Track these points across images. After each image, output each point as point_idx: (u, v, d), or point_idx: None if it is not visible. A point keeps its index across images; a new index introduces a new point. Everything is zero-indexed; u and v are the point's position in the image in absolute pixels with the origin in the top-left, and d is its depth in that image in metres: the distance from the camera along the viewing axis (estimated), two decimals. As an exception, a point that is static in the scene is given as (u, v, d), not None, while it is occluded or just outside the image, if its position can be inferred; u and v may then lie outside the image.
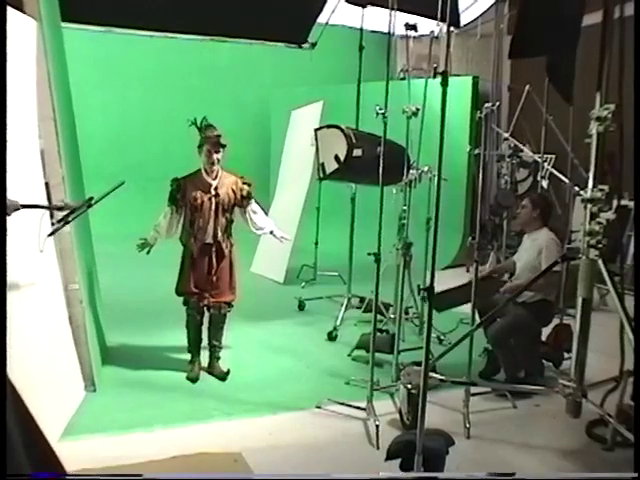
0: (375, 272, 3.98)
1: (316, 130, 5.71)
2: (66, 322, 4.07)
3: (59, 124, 4.04)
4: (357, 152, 5.29)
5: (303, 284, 7.41)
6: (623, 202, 3.81)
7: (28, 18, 3.75)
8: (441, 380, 3.95)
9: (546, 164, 6.12)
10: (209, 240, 4.51)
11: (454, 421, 3.89)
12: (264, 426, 3.89)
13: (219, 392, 4.38)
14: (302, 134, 7.75)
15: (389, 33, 4.29)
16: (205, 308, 4.63)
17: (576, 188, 3.69)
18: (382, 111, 4.10)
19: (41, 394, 3.38)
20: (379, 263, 3.95)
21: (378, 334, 4.52)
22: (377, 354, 4.19)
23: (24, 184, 3.55)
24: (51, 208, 3.49)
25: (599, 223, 3.36)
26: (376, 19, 6.28)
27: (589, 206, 3.39)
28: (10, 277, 3.25)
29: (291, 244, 7.00)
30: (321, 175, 5.57)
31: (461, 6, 8.86)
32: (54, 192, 3.99)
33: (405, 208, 5.24)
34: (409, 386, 3.78)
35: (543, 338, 4.84)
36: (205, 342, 4.73)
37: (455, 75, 8.91)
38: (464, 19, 9.73)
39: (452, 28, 3.16)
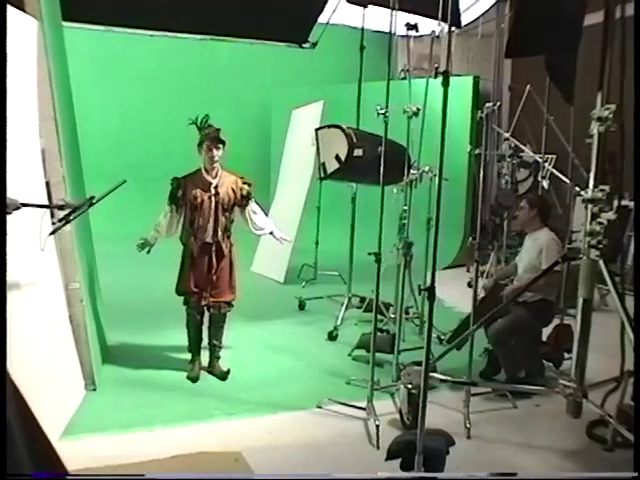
0: (375, 272, 3.98)
1: (317, 130, 5.71)
2: (66, 321, 4.07)
3: (60, 123, 4.04)
4: (358, 152, 5.29)
5: (303, 284, 7.41)
6: (624, 202, 3.80)
7: (29, 17, 3.75)
8: (441, 380, 3.96)
9: (547, 164, 6.12)
10: (209, 239, 4.51)
11: (454, 421, 3.89)
12: (264, 426, 3.89)
13: (219, 391, 4.38)
14: (303, 134, 7.75)
15: (390, 33, 4.29)
16: (205, 308, 4.63)
17: (577, 188, 3.69)
18: (383, 111, 4.10)
19: (41, 393, 3.38)
20: (380, 263, 3.95)
21: (378, 334, 4.52)
22: (377, 354, 4.19)
23: (25, 183, 3.55)
24: (52, 207, 3.49)
25: (600, 223, 3.35)
26: (377, 19, 6.28)
27: (590, 206, 3.39)
28: (11, 276, 3.25)
29: (292, 244, 7.00)
30: (322, 175, 5.57)
31: (462, 6, 8.87)
32: (55, 191, 3.99)
33: (406, 208, 5.23)
34: (409, 386, 3.78)
35: (543, 338, 4.84)
36: (205, 342, 4.74)
37: (456, 75, 8.91)
38: (465, 19, 9.73)
39: (453, 28, 3.16)
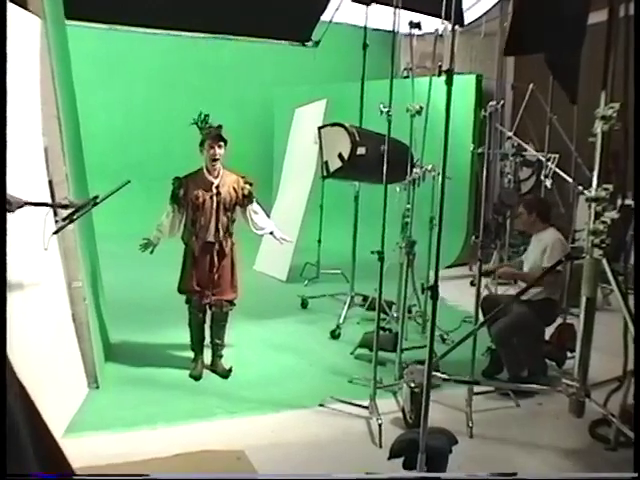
0: (378, 270, 3.98)
1: (320, 128, 5.70)
2: (69, 319, 4.08)
3: (63, 122, 4.04)
4: (361, 150, 5.29)
5: (306, 282, 7.41)
6: (627, 201, 3.79)
7: (32, 16, 3.75)
8: (444, 379, 3.95)
9: (550, 163, 6.11)
10: (210, 239, 4.52)
11: (457, 420, 3.89)
12: (267, 424, 3.89)
13: (222, 390, 4.38)
14: (305, 132, 7.75)
15: (393, 31, 4.29)
16: (207, 306, 4.63)
17: (580, 187, 3.68)
18: (386, 109, 4.09)
19: (44, 391, 3.38)
20: (383, 261, 3.95)
21: (381, 332, 4.52)
22: (380, 352, 4.18)
23: (28, 181, 3.55)
24: (56, 206, 3.49)
25: (603, 222, 3.34)
26: (380, 17, 6.27)
27: (593, 205, 3.38)
28: (14, 275, 3.25)
29: (294, 242, 7.00)
30: (325, 173, 5.57)
31: (465, 4, 8.84)
32: (58, 190, 4.00)
33: (408, 206, 5.23)
34: (412, 385, 3.78)
35: (546, 337, 4.83)
36: (208, 340, 4.74)
37: (459, 73, 8.89)
38: (468, 17, 9.70)
39: (456, 26, 3.16)
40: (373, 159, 4.67)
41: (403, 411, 3.91)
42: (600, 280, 3.63)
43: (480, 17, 10.34)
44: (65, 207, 3.40)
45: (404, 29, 5.30)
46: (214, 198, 4.49)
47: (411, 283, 5.48)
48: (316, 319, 6.13)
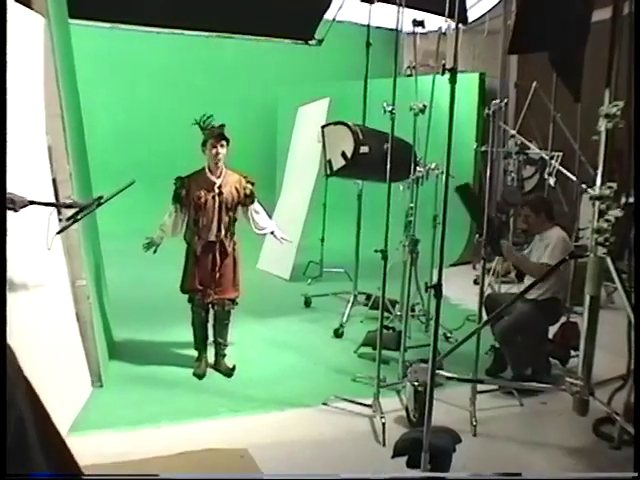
0: (381, 269, 3.98)
1: (323, 127, 5.70)
2: (73, 318, 4.08)
3: (66, 121, 4.05)
4: (364, 149, 5.28)
5: (309, 281, 7.41)
6: (631, 199, 3.78)
7: (36, 15, 3.76)
8: (448, 377, 3.95)
9: (553, 161, 6.09)
10: (212, 238, 4.53)
11: (461, 419, 3.89)
12: (270, 422, 3.89)
13: (225, 388, 4.38)
14: (308, 131, 7.75)
15: (397, 30, 4.28)
16: (210, 305, 4.64)
17: (584, 185, 3.67)
18: (389, 108, 4.09)
19: (48, 390, 3.38)
20: (386, 260, 3.94)
21: (385, 331, 4.52)
22: (383, 351, 4.18)
23: (32, 180, 3.55)
24: (60, 206, 3.49)
25: (607, 221, 3.34)
26: (383, 15, 6.27)
27: (597, 203, 3.37)
28: (18, 274, 3.26)
29: (297, 241, 7.00)
30: (328, 172, 5.57)
31: (468, 2, 8.84)
32: (61, 189, 4.01)
33: (412, 205, 5.22)
34: (416, 383, 3.78)
35: (550, 336, 4.83)
36: (211, 339, 4.75)
37: (462, 72, 8.88)
38: (471, 15, 9.70)
39: (460, 25, 3.15)
40: (376, 158, 4.67)
41: (407, 410, 3.91)
42: (604, 278, 3.63)
43: (483, 15, 10.34)
44: (69, 207, 3.40)
45: (407, 27, 5.29)
46: (216, 198, 4.50)
47: (414, 282, 5.48)
48: (319, 318, 6.13)
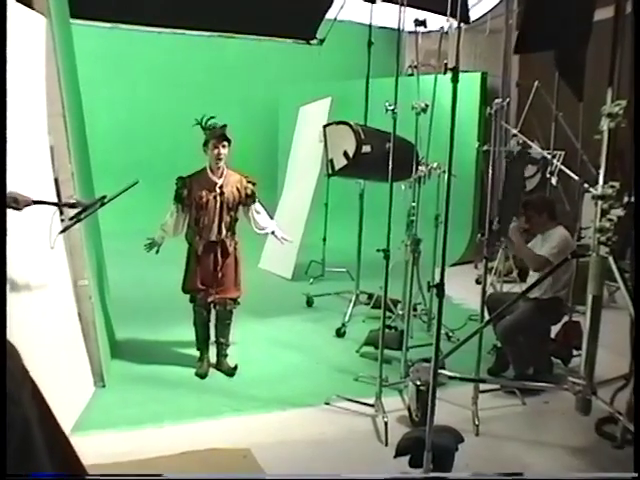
0: (383, 268, 3.98)
1: (325, 126, 5.69)
2: (75, 318, 4.09)
3: (68, 120, 4.05)
4: (366, 148, 5.28)
5: (311, 280, 7.41)
6: (634, 199, 3.78)
7: (37, 15, 3.76)
8: (450, 377, 3.95)
9: (555, 160, 6.09)
10: (214, 238, 4.53)
11: (463, 418, 3.88)
12: (273, 422, 3.89)
13: (228, 388, 4.39)
14: (310, 130, 7.75)
15: (399, 29, 4.28)
16: (211, 305, 4.64)
17: (586, 185, 3.67)
18: (391, 107, 4.09)
19: (51, 389, 3.38)
20: (388, 259, 3.94)
21: (387, 330, 4.52)
22: (386, 351, 4.18)
23: (34, 180, 3.56)
24: (64, 205, 3.49)
25: (610, 220, 3.33)
26: (385, 15, 6.26)
27: (600, 203, 3.37)
28: (20, 273, 3.26)
29: (299, 240, 7.00)
30: (330, 171, 5.56)
31: (470, 2, 8.83)
32: (63, 188, 4.01)
33: (414, 204, 5.22)
34: (418, 383, 3.78)
35: (552, 335, 4.82)
36: (213, 339, 4.75)
37: (463, 71, 8.86)
38: (473, 15, 9.69)
39: (462, 24, 3.15)
40: (378, 157, 4.67)
41: (409, 409, 3.91)
42: (606, 278, 3.63)
43: (485, 14, 10.32)
44: (73, 206, 3.40)
45: (409, 27, 5.28)
46: (218, 198, 4.50)
47: (416, 281, 5.48)
48: (321, 317, 6.13)
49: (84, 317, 4.15)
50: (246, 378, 4.55)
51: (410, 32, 7.36)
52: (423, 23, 5.13)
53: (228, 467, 3.31)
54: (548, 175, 6.22)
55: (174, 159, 9.00)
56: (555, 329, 4.84)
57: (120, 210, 6.26)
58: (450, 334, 5.44)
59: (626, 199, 3.67)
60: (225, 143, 4.47)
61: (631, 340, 3.56)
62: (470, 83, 8.40)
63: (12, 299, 3.10)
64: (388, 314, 4.92)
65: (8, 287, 3.06)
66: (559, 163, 5.60)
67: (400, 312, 5.50)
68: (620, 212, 3.33)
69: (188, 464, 3.31)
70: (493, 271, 6.72)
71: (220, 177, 4.53)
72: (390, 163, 3.88)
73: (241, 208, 4.66)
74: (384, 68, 6.50)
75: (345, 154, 5.35)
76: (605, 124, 3.32)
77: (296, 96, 9.49)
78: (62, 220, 3.70)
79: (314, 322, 6.00)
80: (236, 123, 4.93)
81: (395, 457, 3.21)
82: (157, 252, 4.61)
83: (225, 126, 4.49)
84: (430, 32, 7.56)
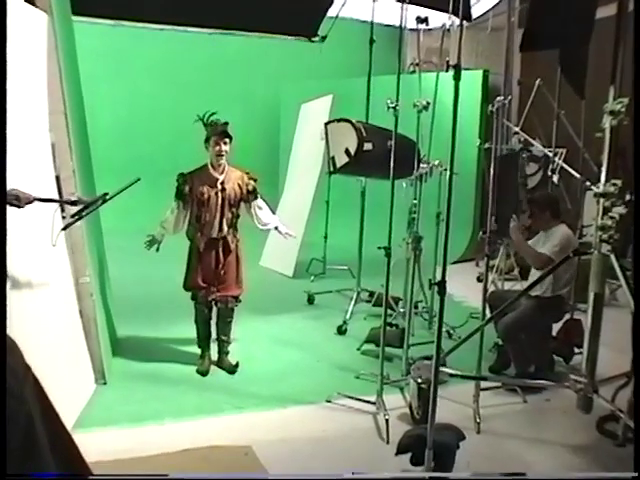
0: (385, 266, 3.97)
1: (326, 124, 5.69)
2: (77, 315, 4.09)
3: (70, 117, 4.05)
4: (367, 146, 5.27)
5: (312, 278, 7.41)
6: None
7: (39, 12, 3.76)
8: (451, 375, 3.95)
9: (557, 158, 6.08)
10: (215, 235, 4.52)
11: (464, 416, 3.89)
12: (274, 419, 3.90)
13: (229, 385, 4.39)
14: (311, 128, 7.74)
15: (401, 26, 4.27)
16: (213, 302, 4.64)
17: (588, 183, 3.66)
18: (393, 105, 4.08)
19: (52, 387, 3.38)
20: (389, 257, 3.94)
21: (388, 328, 4.52)
22: (387, 348, 4.18)
23: (36, 177, 3.56)
24: (65, 202, 3.49)
25: (611, 218, 3.33)
26: (386, 12, 6.26)
27: (601, 201, 3.36)
28: (21, 271, 3.26)
29: (300, 238, 7.00)
30: (331, 169, 5.56)
31: (472, -1, 8.82)
32: (65, 185, 4.01)
33: (415, 202, 5.22)
34: (419, 380, 3.78)
35: (553, 333, 4.82)
36: (214, 336, 4.75)
37: (465, 69, 8.85)
38: (475, 12, 9.67)
39: (464, 22, 3.15)
40: (380, 155, 4.66)
41: (410, 407, 3.91)
42: (608, 276, 3.62)
43: (487, 12, 10.31)
44: (74, 204, 3.40)
45: (411, 24, 5.28)
46: (219, 194, 4.49)
47: (418, 279, 5.48)
48: (322, 315, 6.13)
49: (85, 314, 4.15)
50: (247, 375, 4.56)
51: (412, 30, 7.37)
52: (425, 21, 5.13)
53: (229, 464, 3.31)
54: (550, 173, 6.23)
55: (175, 155, 9.00)
56: (556, 327, 4.84)
57: (121, 207, 6.28)
58: (451, 332, 5.44)
59: (628, 197, 3.65)
60: (226, 140, 4.46)
61: (633, 338, 3.56)
62: (472, 81, 8.38)
63: (13, 297, 3.11)
64: (389, 312, 4.92)
65: (10, 284, 3.07)
66: (561, 161, 5.59)
67: (401, 310, 5.51)
68: (622, 210, 3.33)
69: (189, 461, 3.32)
70: (494, 269, 6.71)
71: (221, 173, 4.52)
72: (392, 161, 3.88)
73: (243, 205, 4.65)
74: (386, 66, 6.48)
75: (347, 151, 5.34)
76: (607, 122, 3.32)
77: (298, 93, 9.48)
78: (63, 217, 3.71)
79: (315, 320, 6.00)
80: (237, 120, 4.92)
81: (396, 455, 3.21)
82: (157, 250, 4.59)
83: (227, 123, 4.49)
84: (432, 30, 7.57)
